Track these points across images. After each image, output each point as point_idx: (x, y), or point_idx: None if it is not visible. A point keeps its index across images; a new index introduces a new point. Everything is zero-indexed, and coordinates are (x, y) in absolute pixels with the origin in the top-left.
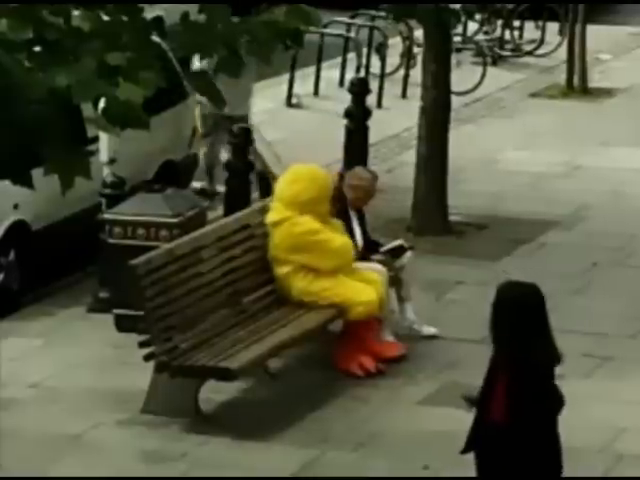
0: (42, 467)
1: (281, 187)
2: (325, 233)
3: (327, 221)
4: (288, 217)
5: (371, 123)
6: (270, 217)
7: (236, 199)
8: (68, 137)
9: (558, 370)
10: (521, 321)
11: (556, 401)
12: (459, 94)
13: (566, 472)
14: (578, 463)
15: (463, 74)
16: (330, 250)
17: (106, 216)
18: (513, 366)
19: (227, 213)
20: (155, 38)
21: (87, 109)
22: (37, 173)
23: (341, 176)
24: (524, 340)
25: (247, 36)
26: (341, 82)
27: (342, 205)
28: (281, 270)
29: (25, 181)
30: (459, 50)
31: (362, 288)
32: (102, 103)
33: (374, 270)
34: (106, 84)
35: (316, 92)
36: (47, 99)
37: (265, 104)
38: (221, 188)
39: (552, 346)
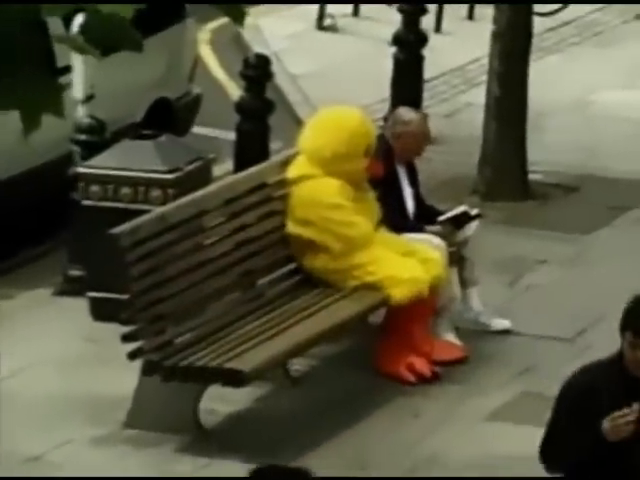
0: None
1: (305, 136)
2: (347, 212)
3: (360, 186)
4: (310, 175)
5: (427, 52)
6: (290, 172)
7: (250, 150)
8: (34, 63)
9: None
10: None
11: None
12: (542, 15)
13: None
14: None
15: None
16: (345, 237)
17: (80, 170)
18: None
19: (238, 168)
20: None
21: (56, 28)
22: None
23: (386, 121)
24: None
25: None
26: None
27: (388, 159)
28: (297, 240)
29: None
30: None
31: (404, 263)
32: (79, 18)
33: (429, 245)
34: None
35: (356, 12)
36: (7, 13)
37: (290, 27)
38: (230, 135)
39: None
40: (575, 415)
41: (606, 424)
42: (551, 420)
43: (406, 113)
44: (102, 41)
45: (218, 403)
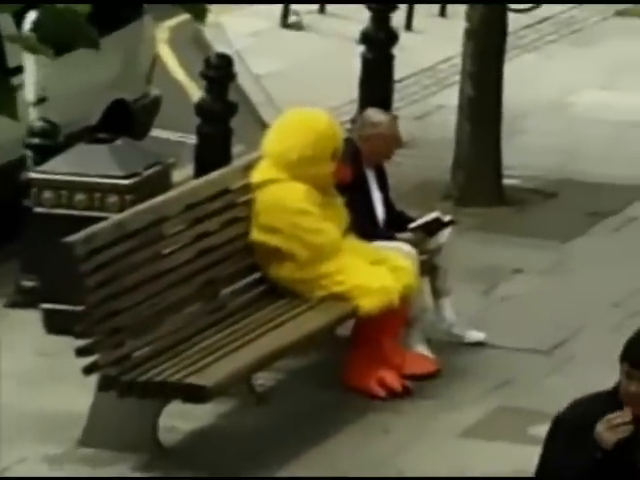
0: None
1: (269, 139)
2: (314, 219)
3: (327, 191)
4: (275, 180)
5: (397, 51)
6: (254, 176)
7: (211, 154)
8: None
9: None
10: None
11: None
12: (518, 12)
13: None
14: None
15: None
16: (312, 245)
17: (32, 175)
18: None
19: (199, 173)
20: None
21: (7, 27)
22: None
23: (354, 122)
24: None
25: None
26: None
27: (356, 162)
28: (262, 248)
29: None
30: None
31: (373, 272)
32: (32, 15)
33: (400, 253)
34: None
35: (322, 8)
36: None
37: (253, 24)
38: (191, 139)
39: None
40: (567, 448)
41: (600, 427)
42: (542, 455)
43: (375, 115)
44: (56, 38)
45: (178, 420)
